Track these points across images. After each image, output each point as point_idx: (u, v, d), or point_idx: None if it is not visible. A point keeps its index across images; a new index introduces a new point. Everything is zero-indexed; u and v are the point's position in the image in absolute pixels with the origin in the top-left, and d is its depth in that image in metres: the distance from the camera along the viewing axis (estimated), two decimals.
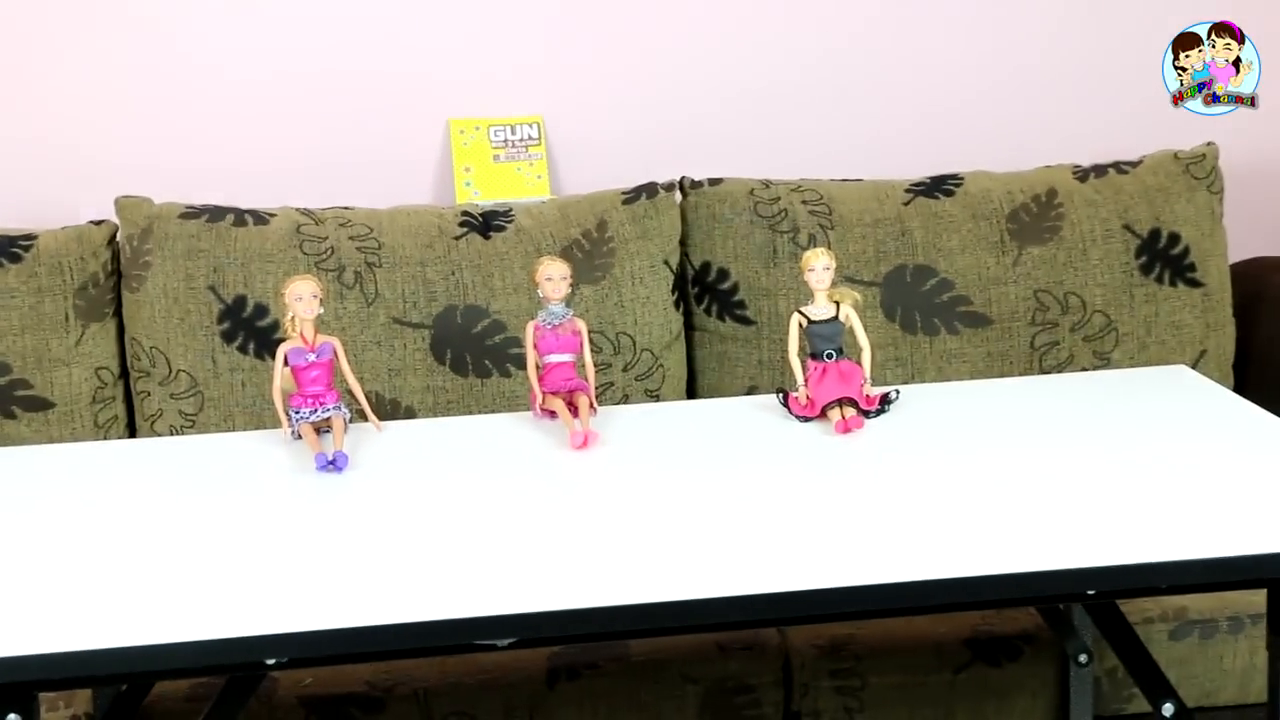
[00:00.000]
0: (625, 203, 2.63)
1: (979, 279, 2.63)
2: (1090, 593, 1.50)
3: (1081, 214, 2.66)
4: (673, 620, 1.49)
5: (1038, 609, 2.18)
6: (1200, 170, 2.73)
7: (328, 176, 2.82)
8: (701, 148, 2.86)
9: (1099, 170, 2.73)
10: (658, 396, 2.59)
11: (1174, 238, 2.68)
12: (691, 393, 2.66)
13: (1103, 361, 2.64)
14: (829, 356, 1.96)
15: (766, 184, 2.67)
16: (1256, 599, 2.27)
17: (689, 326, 2.67)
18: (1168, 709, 1.67)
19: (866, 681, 2.21)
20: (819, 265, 1.99)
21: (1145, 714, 2.22)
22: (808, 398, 1.96)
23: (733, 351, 2.64)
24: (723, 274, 2.64)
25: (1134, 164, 2.74)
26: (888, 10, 2.92)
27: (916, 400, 2.00)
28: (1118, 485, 1.69)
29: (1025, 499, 1.67)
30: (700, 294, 2.66)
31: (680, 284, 2.65)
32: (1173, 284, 2.68)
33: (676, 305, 2.63)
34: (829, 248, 2.11)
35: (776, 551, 1.55)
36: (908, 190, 2.68)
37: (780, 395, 1.99)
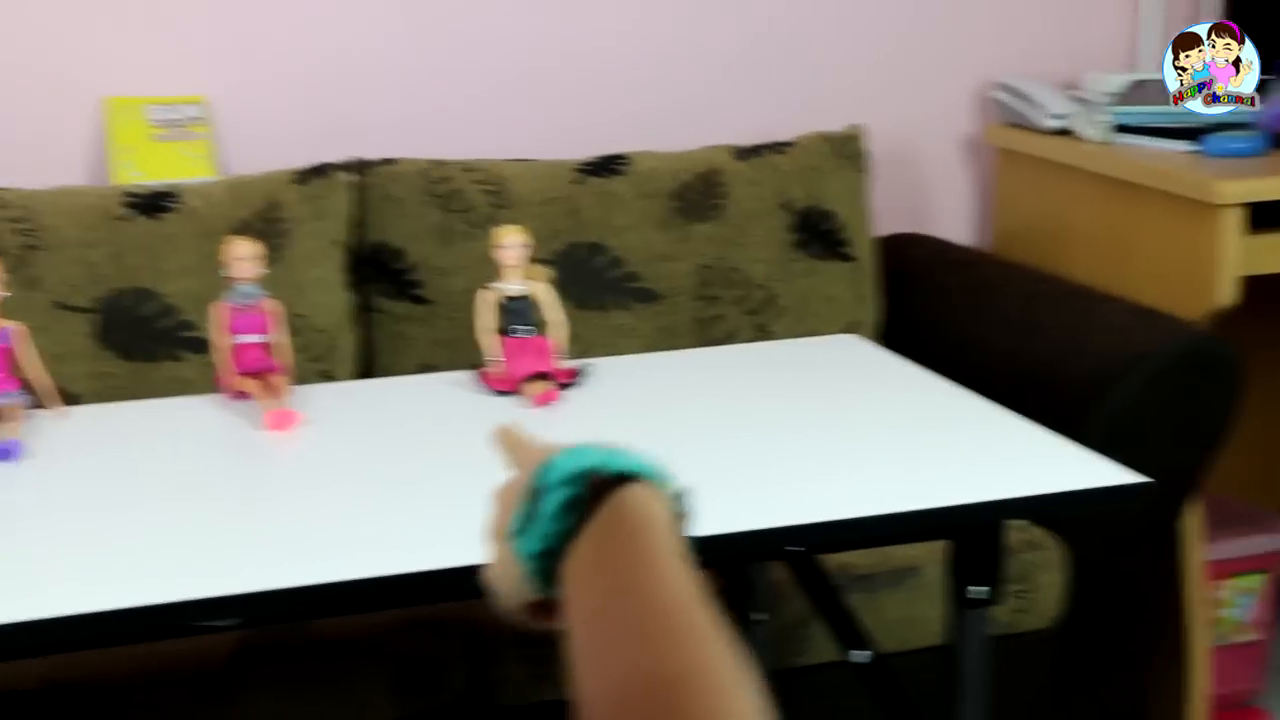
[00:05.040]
0: (297, 183, 2.60)
1: (648, 256, 2.70)
2: (800, 549, 1.59)
3: (743, 192, 2.77)
4: (402, 593, 1.50)
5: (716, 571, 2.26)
6: (849, 150, 2.87)
7: None
8: (371, 129, 2.83)
9: (756, 150, 2.84)
10: (331, 378, 2.57)
11: (826, 214, 2.81)
12: (367, 373, 2.65)
13: (764, 334, 2.75)
14: (522, 332, 1.99)
15: (439, 164, 2.68)
16: (913, 553, 2.41)
17: (364, 307, 2.66)
18: (861, 656, 1.77)
19: (553, 648, 2.25)
20: (510, 242, 2.03)
21: (819, 665, 2.33)
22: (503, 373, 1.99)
23: (409, 331, 2.64)
24: (397, 254, 2.64)
25: (788, 144, 2.86)
26: None
27: (609, 373, 2.06)
28: (809, 449, 1.78)
29: (727, 464, 1.73)
30: (375, 274, 2.65)
31: (355, 265, 2.63)
32: (826, 259, 2.81)
33: (351, 286, 2.61)
34: (505, 226, 2.13)
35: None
36: (578, 170, 2.73)
37: (476, 371, 2.01)
